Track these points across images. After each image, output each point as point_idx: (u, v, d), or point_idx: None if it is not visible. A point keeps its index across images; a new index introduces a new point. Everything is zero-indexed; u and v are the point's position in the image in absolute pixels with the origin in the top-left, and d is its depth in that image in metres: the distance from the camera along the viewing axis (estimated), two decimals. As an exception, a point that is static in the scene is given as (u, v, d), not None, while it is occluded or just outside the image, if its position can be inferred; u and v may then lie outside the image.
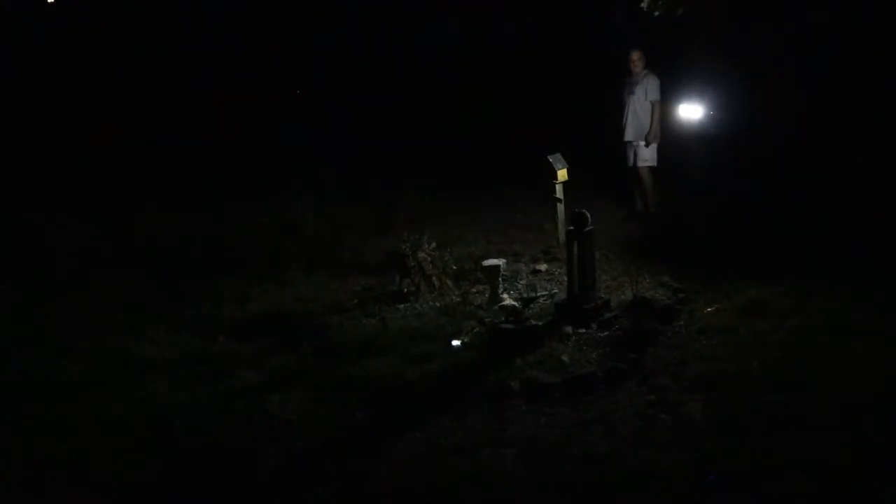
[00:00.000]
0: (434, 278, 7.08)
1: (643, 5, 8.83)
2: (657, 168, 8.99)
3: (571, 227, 6.19)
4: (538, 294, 6.76)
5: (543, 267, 7.49)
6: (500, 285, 6.82)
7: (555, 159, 7.87)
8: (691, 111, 9.06)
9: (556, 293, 6.72)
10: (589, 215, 6.16)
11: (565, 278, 6.46)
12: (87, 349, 6.20)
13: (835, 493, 3.75)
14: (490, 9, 12.80)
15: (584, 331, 5.91)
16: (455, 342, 5.93)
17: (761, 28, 8.49)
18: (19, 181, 11.14)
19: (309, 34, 14.39)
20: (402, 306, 6.82)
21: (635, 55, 8.94)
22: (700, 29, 8.92)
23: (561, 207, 7.87)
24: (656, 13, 8.71)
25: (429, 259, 7.14)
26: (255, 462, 4.51)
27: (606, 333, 5.86)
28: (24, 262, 8.40)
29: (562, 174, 7.88)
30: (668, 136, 9.12)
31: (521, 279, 7.27)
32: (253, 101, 13.83)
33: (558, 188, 7.89)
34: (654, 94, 8.89)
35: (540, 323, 6.07)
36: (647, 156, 8.97)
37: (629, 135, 9.00)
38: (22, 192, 10.79)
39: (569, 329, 5.90)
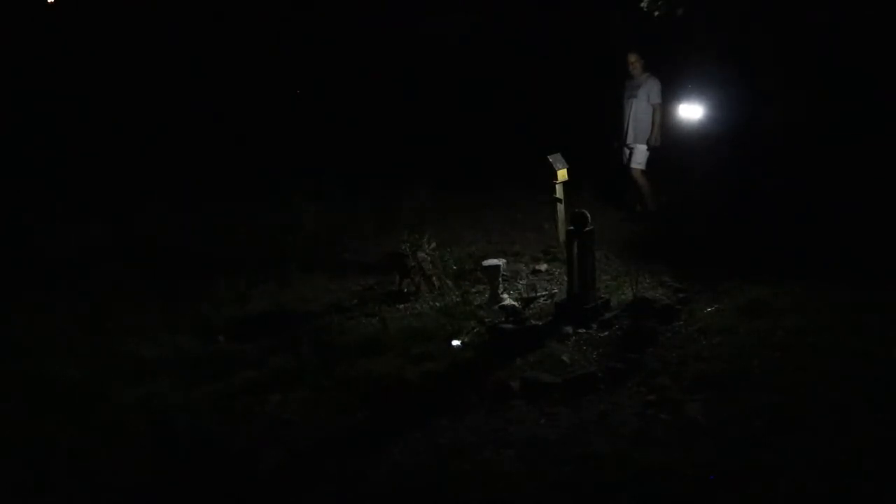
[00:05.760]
0: (434, 278, 7.08)
1: (643, 5, 8.83)
2: (647, 171, 9.02)
3: (571, 227, 6.18)
4: (538, 294, 6.76)
5: (543, 267, 7.49)
6: (500, 285, 6.82)
7: (555, 159, 7.87)
8: (691, 111, 9.07)
9: (556, 293, 6.72)
10: (589, 215, 6.16)
11: (565, 278, 6.46)
12: (88, 349, 6.21)
13: (835, 493, 3.75)
14: (490, 8, 12.81)
15: (584, 331, 5.91)
16: (455, 342, 5.93)
17: (761, 28, 8.47)
18: (20, 180, 11.15)
19: (310, 33, 14.39)
20: (402, 306, 6.83)
21: (632, 57, 8.96)
22: (700, 29, 8.90)
23: (561, 207, 7.87)
24: (656, 13, 8.70)
25: (429, 259, 7.14)
26: (255, 462, 4.51)
27: (606, 333, 5.86)
28: (24, 261, 8.41)
29: (562, 174, 7.88)
30: (668, 137, 9.13)
31: (521, 279, 7.27)
32: (253, 100, 13.83)
33: (558, 188, 7.89)
34: (655, 97, 8.90)
35: (540, 323, 6.07)
36: (640, 158, 9.00)
37: (630, 137, 9.02)
38: (23, 190, 10.80)
39: (569, 329, 5.90)
